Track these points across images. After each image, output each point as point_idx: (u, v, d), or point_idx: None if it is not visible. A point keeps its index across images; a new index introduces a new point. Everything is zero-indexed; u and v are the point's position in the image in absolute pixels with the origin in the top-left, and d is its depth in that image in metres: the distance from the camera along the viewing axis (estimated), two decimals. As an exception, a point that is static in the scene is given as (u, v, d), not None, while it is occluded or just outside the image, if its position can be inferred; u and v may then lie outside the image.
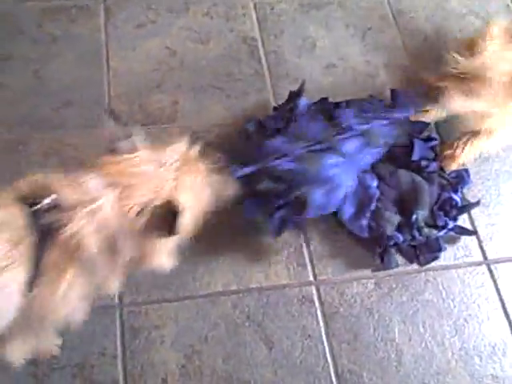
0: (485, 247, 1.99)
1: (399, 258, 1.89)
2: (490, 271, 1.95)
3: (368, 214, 1.81)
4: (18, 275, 1.09)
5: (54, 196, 1.12)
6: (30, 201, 1.12)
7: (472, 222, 2.03)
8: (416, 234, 1.84)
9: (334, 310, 1.77)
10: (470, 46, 1.93)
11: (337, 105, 2.03)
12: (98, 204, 1.12)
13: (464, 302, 1.87)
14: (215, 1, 2.44)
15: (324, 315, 1.76)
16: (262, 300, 1.75)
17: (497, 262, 1.97)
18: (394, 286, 1.85)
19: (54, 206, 1.12)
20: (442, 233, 1.90)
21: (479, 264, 1.96)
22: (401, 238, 1.84)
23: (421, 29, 2.53)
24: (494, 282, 1.93)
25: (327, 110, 1.99)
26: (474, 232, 1.98)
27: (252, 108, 2.15)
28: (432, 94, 1.94)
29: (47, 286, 1.13)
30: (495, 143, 2.03)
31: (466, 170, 2.04)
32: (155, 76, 2.17)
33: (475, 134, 2.00)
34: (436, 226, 1.88)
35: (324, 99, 2.07)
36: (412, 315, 1.81)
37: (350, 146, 1.86)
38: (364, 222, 1.81)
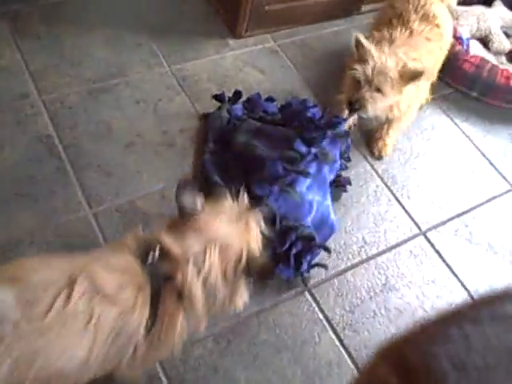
0: (303, 276, 2.21)
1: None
2: (312, 295, 2.17)
3: None
4: (140, 316, 1.31)
5: (161, 248, 1.37)
6: (140, 253, 1.37)
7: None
8: None
9: (181, 379, 1.87)
10: (359, 58, 2.36)
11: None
12: (203, 257, 1.38)
13: (296, 332, 2.06)
14: (2, 107, 2.45)
15: (173, 387, 1.85)
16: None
17: (316, 285, 2.20)
18: (231, 337, 1.99)
19: (164, 258, 1.37)
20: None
21: (301, 292, 2.17)
22: None
23: (206, 88, 2.75)
24: (317, 303, 2.15)
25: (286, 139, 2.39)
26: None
27: (62, 206, 2.19)
28: (351, 107, 2.39)
29: (164, 327, 1.37)
30: (407, 122, 2.69)
31: None
32: (-47, 199, 2.13)
33: (392, 120, 2.60)
34: None
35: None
36: (253, 360, 1.96)
37: (313, 168, 2.27)
38: None
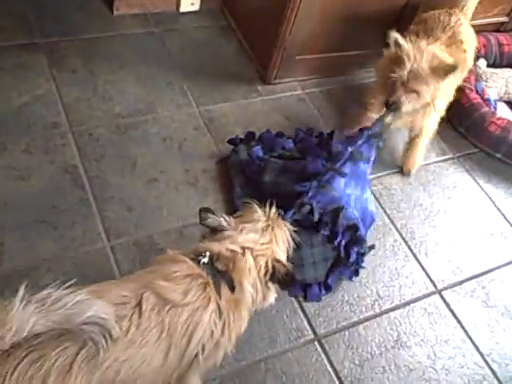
0: (313, 324, 2.19)
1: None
2: (321, 345, 2.15)
3: None
4: (212, 309, 1.48)
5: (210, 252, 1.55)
6: (193, 259, 1.53)
7: (299, 302, 2.24)
8: None
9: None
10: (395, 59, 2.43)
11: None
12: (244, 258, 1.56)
13: (302, 382, 2.04)
14: (33, 136, 2.52)
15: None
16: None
17: (326, 335, 2.18)
18: (236, 381, 1.98)
19: (215, 258, 1.55)
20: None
21: (311, 341, 2.15)
22: None
23: (232, 131, 2.80)
24: (326, 354, 2.13)
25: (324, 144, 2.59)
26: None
27: (81, 236, 2.22)
28: (387, 107, 2.46)
29: (231, 314, 1.53)
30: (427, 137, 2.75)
31: None
32: (-23, 222, 2.18)
33: (413, 138, 2.74)
34: None
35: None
36: (257, 407, 1.94)
37: (347, 168, 2.38)
38: None
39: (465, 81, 3.07)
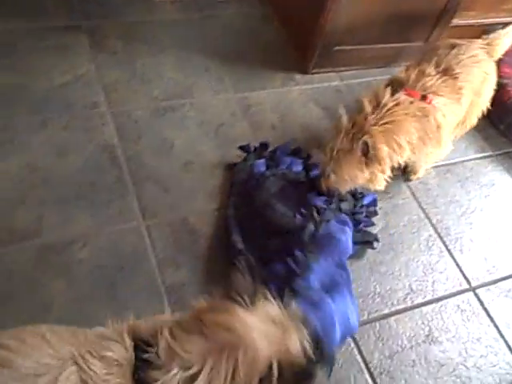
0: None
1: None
2: (352, 335, 2.13)
3: None
4: None
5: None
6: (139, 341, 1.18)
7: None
8: None
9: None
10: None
11: None
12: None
13: (332, 370, 2.01)
14: (73, 114, 2.54)
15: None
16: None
17: (357, 326, 2.16)
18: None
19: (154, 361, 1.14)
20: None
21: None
22: None
23: (268, 119, 2.79)
24: (356, 344, 2.12)
25: None
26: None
27: (117, 214, 2.24)
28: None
29: None
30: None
31: None
32: (17, 193, 2.20)
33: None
34: None
35: None
36: (286, 391, 1.92)
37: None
38: None
39: (505, 77, 3.01)
